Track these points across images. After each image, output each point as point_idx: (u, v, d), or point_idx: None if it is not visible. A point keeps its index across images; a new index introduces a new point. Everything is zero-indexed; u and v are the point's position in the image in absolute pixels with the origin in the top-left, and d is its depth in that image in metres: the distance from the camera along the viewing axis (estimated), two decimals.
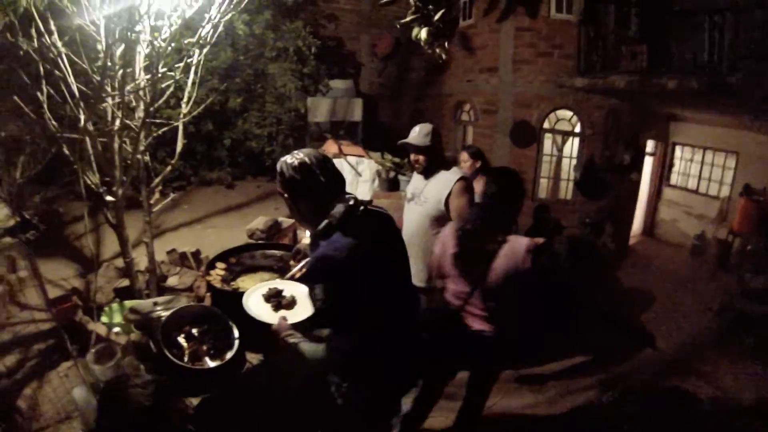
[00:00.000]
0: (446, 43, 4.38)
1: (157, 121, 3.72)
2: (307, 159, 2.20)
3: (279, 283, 2.93)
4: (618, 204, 9.79)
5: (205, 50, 3.57)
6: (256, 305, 2.72)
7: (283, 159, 2.25)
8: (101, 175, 3.50)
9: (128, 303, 3.54)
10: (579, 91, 9.05)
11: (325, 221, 2.16)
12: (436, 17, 4.27)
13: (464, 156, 5.30)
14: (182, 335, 3.04)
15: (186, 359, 2.89)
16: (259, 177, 9.77)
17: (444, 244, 3.20)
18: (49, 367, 3.35)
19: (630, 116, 9.46)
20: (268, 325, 2.48)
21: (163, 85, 3.48)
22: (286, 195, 2.26)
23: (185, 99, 3.71)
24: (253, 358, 3.16)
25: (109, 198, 3.40)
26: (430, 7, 4.35)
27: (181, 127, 3.80)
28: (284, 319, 2.51)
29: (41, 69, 3.19)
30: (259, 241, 4.26)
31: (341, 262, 2.08)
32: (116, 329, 3.27)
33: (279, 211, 7.03)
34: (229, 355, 2.97)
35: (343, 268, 2.09)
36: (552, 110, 9.44)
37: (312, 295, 2.16)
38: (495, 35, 9.44)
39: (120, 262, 4.53)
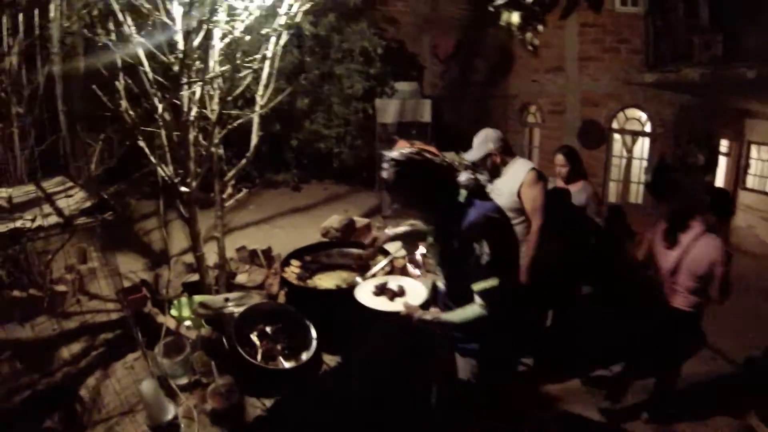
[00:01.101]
0: (540, 27, 4.01)
1: (234, 112, 3.50)
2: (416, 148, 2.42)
3: (380, 279, 2.92)
4: (692, 208, 9.08)
5: (283, 39, 3.38)
6: (372, 300, 2.71)
7: (390, 154, 2.39)
8: (175, 167, 3.28)
9: (198, 298, 3.30)
10: (648, 88, 8.55)
11: (464, 190, 2.39)
12: None
13: (559, 159, 4.77)
14: (255, 333, 2.77)
15: (259, 358, 2.63)
16: (325, 180, 9.62)
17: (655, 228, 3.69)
18: (115, 357, 3.14)
19: (703, 113, 8.78)
20: (389, 316, 2.56)
21: (241, 74, 3.23)
22: (403, 179, 2.34)
23: (260, 92, 3.49)
24: (331, 360, 2.87)
25: (183, 189, 3.16)
26: None
27: (256, 120, 3.56)
28: (407, 303, 2.57)
29: (118, 60, 3.09)
30: (335, 240, 3.95)
31: (499, 219, 2.33)
32: (187, 323, 3.01)
33: (349, 213, 6.77)
34: (305, 356, 2.71)
35: (501, 224, 2.34)
36: (621, 109, 8.97)
37: (474, 253, 2.24)
38: (559, 33, 9.00)
39: (188, 258, 4.35)
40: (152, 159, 3.20)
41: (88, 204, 2.33)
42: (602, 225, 4.85)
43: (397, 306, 2.58)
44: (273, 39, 3.30)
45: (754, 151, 10.20)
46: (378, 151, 8.84)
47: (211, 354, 2.75)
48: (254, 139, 3.54)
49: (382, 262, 3.07)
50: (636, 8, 8.47)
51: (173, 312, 3.20)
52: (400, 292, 2.75)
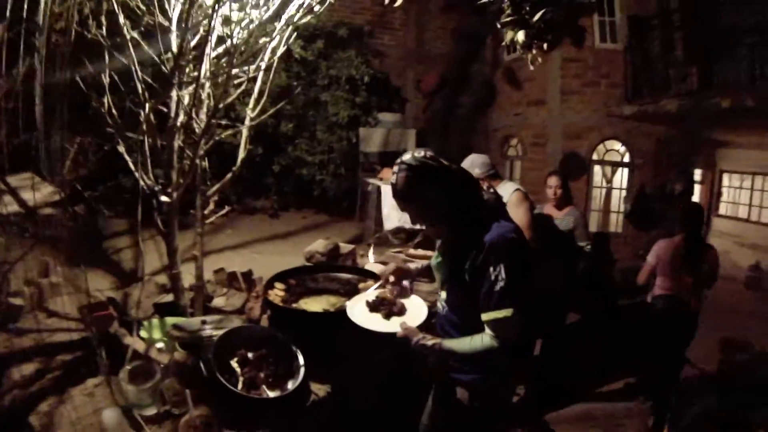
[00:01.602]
0: (544, 46, 3.93)
1: (223, 122, 3.27)
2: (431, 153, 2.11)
3: (376, 293, 2.57)
4: (670, 235, 9.12)
5: (280, 51, 3.23)
6: (364, 317, 2.38)
7: (402, 158, 2.10)
8: (156, 177, 3.03)
9: (170, 319, 3.00)
10: (628, 120, 8.76)
11: (485, 208, 2.13)
12: (536, 18, 3.81)
13: (554, 181, 4.64)
14: (236, 359, 2.48)
15: (240, 387, 2.33)
16: (304, 209, 9.33)
17: (661, 253, 4.45)
18: (73, 382, 2.73)
19: (679, 144, 9.06)
20: (384, 338, 2.24)
21: (235, 82, 3.02)
22: (415, 185, 2.05)
23: (251, 104, 3.31)
24: (320, 389, 2.58)
25: (164, 198, 2.88)
26: (527, 8, 3.89)
27: (245, 133, 3.36)
28: (405, 323, 2.24)
29: (106, 55, 2.86)
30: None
31: (519, 241, 2.05)
32: (159, 345, 2.68)
33: (331, 240, 6.52)
34: (291, 384, 2.40)
35: (521, 247, 2.05)
36: (601, 141, 9.11)
37: (488, 277, 1.98)
38: (542, 67, 8.83)
39: (161, 279, 4.05)
40: (132, 167, 2.94)
41: (56, 197, 2.04)
42: (589, 250, 4.68)
43: (392, 326, 2.27)
44: (271, 46, 3.13)
45: (726, 179, 10.48)
46: (361, 179, 8.68)
47: (186, 382, 2.42)
48: (241, 154, 3.31)
49: (374, 287, 2.73)
50: (615, 44, 8.76)
51: (143, 333, 2.89)
52: (399, 311, 2.41)
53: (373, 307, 2.42)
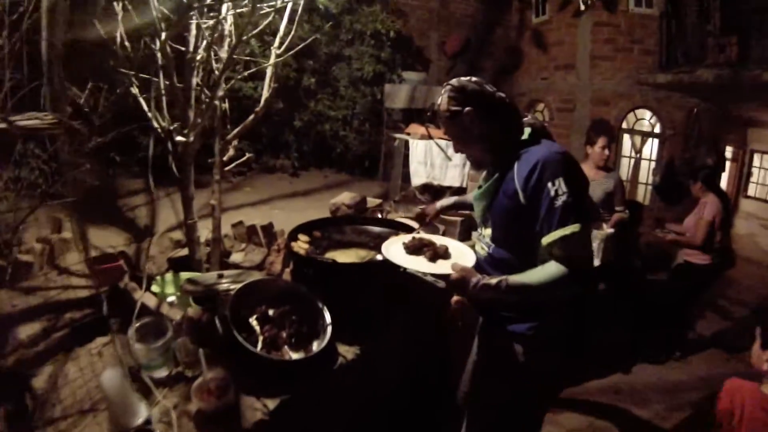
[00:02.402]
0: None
1: (245, 58, 2.94)
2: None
3: (417, 235, 2.28)
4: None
5: None
6: (407, 259, 2.05)
7: (449, 83, 1.99)
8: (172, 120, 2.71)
9: (185, 274, 2.71)
10: (660, 89, 8.29)
11: (528, 128, 1.96)
12: None
13: (603, 141, 4.33)
14: (255, 317, 2.19)
15: (260, 347, 2.04)
16: (324, 168, 8.95)
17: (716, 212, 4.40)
18: (80, 342, 2.49)
19: (711, 118, 8.59)
20: (431, 282, 1.89)
21: (261, 12, 2.67)
22: (466, 114, 1.92)
23: (277, 43, 2.96)
24: (348, 351, 2.26)
25: (179, 138, 2.54)
26: None
27: (269, 72, 3.02)
28: (458, 264, 1.89)
29: None
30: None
31: (573, 159, 1.81)
32: (171, 298, 2.38)
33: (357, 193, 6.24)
34: (316, 345, 2.12)
35: (576, 164, 1.82)
36: (631, 109, 8.63)
37: (547, 196, 1.72)
38: (571, 31, 8.76)
39: (176, 235, 3.75)
40: (146, 108, 2.61)
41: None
42: (627, 215, 4.36)
43: (442, 267, 1.94)
44: None
45: (756, 159, 9.97)
46: (386, 136, 8.32)
47: (200, 340, 2.14)
48: (265, 93, 2.96)
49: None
50: (650, 9, 8.23)
51: (154, 288, 2.59)
52: (445, 251, 2.09)
53: (414, 249, 2.10)
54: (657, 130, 8.68)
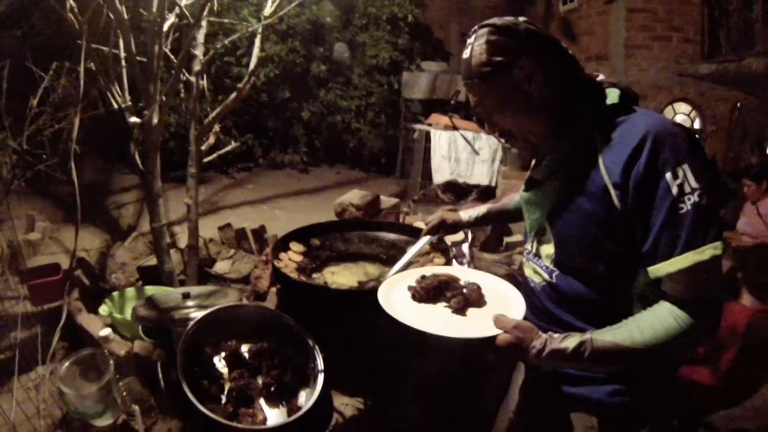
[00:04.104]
0: None
1: (225, 21, 2.40)
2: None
3: (424, 270, 1.53)
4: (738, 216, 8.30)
5: None
6: (415, 313, 1.31)
7: (485, 24, 1.24)
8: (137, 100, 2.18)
9: (150, 289, 2.19)
10: (702, 81, 7.80)
11: (613, 90, 1.22)
12: None
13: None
14: (222, 355, 1.63)
15: (224, 401, 1.50)
16: (337, 164, 8.48)
17: None
18: (22, 368, 2.00)
19: (756, 112, 7.98)
20: (474, 345, 1.25)
21: None
22: (508, 61, 1.20)
23: (269, 4, 2.42)
24: (347, 405, 1.68)
25: (133, 120, 2.00)
26: None
27: (258, 39, 2.48)
28: (504, 317, 1.15)
29: None
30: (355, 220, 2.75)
31: (694, 135, 1.10)
32: (104, 332, 1.76)
33: (370, 192, 5.74)
34: (304, 398, 1.57)
35: (700, 144, 1.11)
36: (669, 102, 8.09)
37: (663, 191, 1.05)
38: (603, 18, 8.29)
39: None
40: (101, 80, 2.08)
41: None
42: None
43: (481, 327, 1.19)
44: None
45: None
46: (404, 128, 7.80)
47: (151, 382, 1.64)
48: (253, 60, 2.40)
49: (418, 244, 1.84)
50: None
51: (104, 309, 2.06)
52: (477, 297, 1.33)
53: (427, 295, 1.36)
54: (697, 125, 8.15)
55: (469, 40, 1.25)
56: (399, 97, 8.18)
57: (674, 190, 1.04)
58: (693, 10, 7.70)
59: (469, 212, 1.89)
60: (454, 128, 5.57)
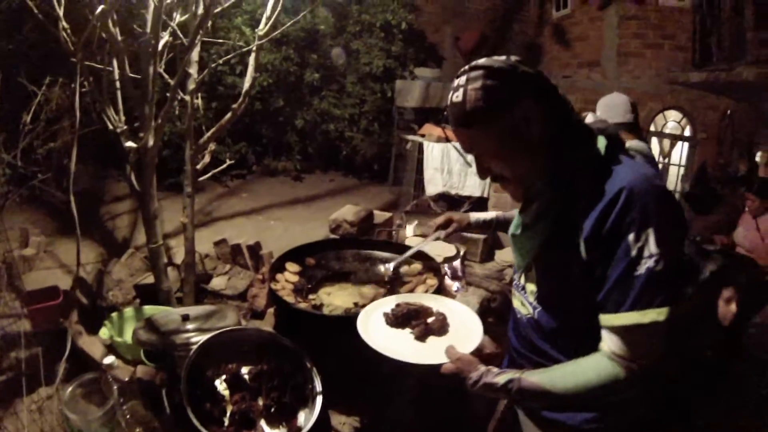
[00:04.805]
0: None
1: (219, 40, 2.44)
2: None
3: (409, 297, 1.74)
4: (729, 222, 8.37)
5: None
6: (385, 336, 1.53)
7: (477, 62, 1.25)
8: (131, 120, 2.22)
9: (149, 309, 2.24)
10: (693, 89, 7.88)
11: (601, 138, 1.24)
12: None
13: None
14: (223, 377, 1.68)
15: (227, 423, 1.56)
16: (330, 171, 8.56)
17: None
18: (22, 390, 2.03)
19: (746, 120, 8.14)
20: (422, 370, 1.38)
21: None
22: (501, 103, 1.20)
23: (263, 23, 2.47)
24: (344, 424, 1.76)
25: (129, 144, 2.05)
26: None
27: (252, 58, 2.51)
28: (453, 348, 1.32)
29: None
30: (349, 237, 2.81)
31: (670, 194, 1.18)
32: (110, 360, 1.82)
33: (362, 207, 5.78)
34: (303, 418, 1.62)
35: (675, 203, 1.19)
36: (661, 110, 8.18)
37: (624, 249, 1.10)
38: (596, 25, 8.36)
39: None
40: (97, 100, 2.15)
41: None
42: None
43: (431, 354, 1.39)
44: None
45: None
46: (396, 137, 7.83)
47: (154, 407, 1.66)
48: (247, 82, 2.48)
49: (429, 238, 1.96)
50: (682, 2, 7.82)
51: (104, 332, 2.10)
52: (441, 325, 1.56)
53: (397, 320, 1.58)
54: (687, 132, 8.29)
55: (459, 82, 1.25)
56: (392, 105, 8.24)
57: (633, 252, 1.09)
58: (685, 18, 7.79)
59: (477, 215, 1.97)
60: (447, 140, 5.61)
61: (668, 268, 1.10)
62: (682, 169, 8.34)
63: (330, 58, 8.20)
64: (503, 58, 1.24)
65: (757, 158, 9.28)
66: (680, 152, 8.36)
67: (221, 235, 3.44)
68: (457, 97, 1.24)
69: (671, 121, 8.33)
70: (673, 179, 8.42)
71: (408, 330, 1.54)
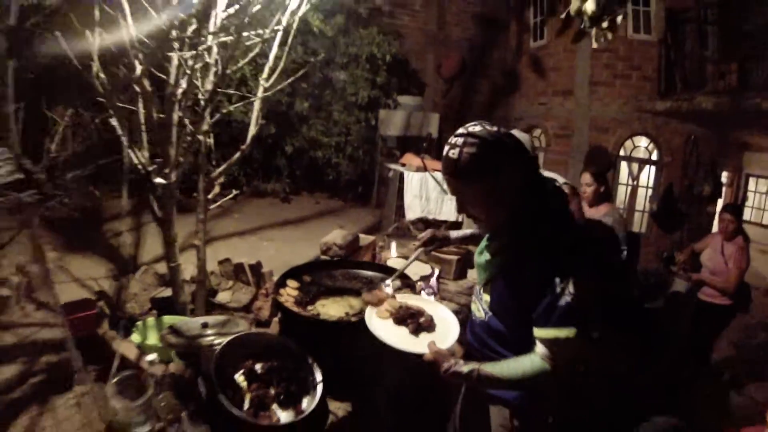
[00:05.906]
0: (618, 19, 3.45)
1: (231, 92, 2.84)
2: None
3: (406, 299, 2.26)
4: (691, 239, 8.84)
5: (301, 11, 2.79)
6: (387, 331, 1.99)
7: (469, 128, 1.62)
8: (152, 154, 2.62)
9: (168, 319, 2.62)
10: (659, 116, 8.37)
11: (557, 200, 1.73)
12: None
13: (586, 178, 4.17)
14: (241, 372, 2.09)
15: (246, 407, 1.95)
16: (316, 193, 8.95)
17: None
18: (58, 389, 2.35)
19: (708, 144, 8.70)
20: (410, 357, 1.82)
21: (248, 43, 2.61)
22: (485, 165, 1.58)
23: (266, 74, 2.88)
24: (339, 408, 2.19)
25: (158, 180, 2.47)
26: None
27: (257, 106, 2.94)
28: (434, 344, 1.79)
29: (96, 11, 2.39)
30: (336, 258, 3.26)
31: (599, 249, 1.85)
32: (149, 357, 2.27)
33: (345, 229, 6.14)
34: (306, 403, 2.03)
35: (600, 256, 1.88)
36: (630, 136, 8.68)
37: (551, 290, 1.60)
38: (570, 56, 8.84)
39: (161, 268, 3.66)
40: (123, 141, 2.53)
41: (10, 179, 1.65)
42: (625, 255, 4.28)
43: (420, 345, 1.85)
44: (290, 9, 2.72)
45: (752, 183, 10.05)
46: (379, 164, 8.30)
47: (182, 397, 2.07)
48: (252, 130, 2.90)
49: (413, 255, 2.43)
50: (649, 36, 8.33)
51: (135, 337, 2.50)
52: (429, 324, 2.04)
53: (398, 319, 2.06)
54: (654, 157, 8.71)
55: (456, 140, 1.61)
56: (376, 133, 8.65)
57: (557, 290, 1.59)
58: (652, 51, 8.26)
59: (456, 232, 2.47)
60: (425, 169, 6.06)
61: (580, 306, 1.58)
62: (650, 191, 8.78)
63: (318, 87, 8.57)
64: (496, 130, 1.61)
65: (723, 179, 9.83)
66: (648, 175, 8.80)
67: (219, 254, 3.81)
68: (453, 153, 1.60)
69: (639, 146, 8.77)
70: (641, 200, 8.86)
71: (405, 328, 2.02)
